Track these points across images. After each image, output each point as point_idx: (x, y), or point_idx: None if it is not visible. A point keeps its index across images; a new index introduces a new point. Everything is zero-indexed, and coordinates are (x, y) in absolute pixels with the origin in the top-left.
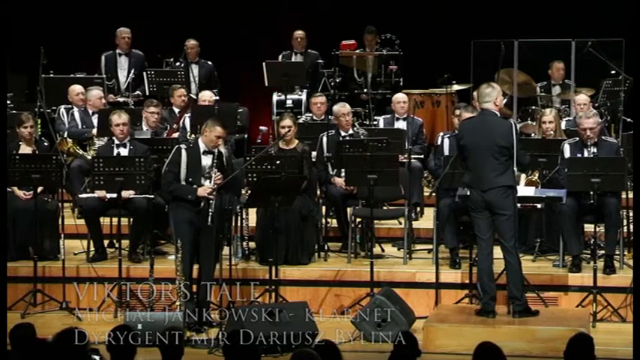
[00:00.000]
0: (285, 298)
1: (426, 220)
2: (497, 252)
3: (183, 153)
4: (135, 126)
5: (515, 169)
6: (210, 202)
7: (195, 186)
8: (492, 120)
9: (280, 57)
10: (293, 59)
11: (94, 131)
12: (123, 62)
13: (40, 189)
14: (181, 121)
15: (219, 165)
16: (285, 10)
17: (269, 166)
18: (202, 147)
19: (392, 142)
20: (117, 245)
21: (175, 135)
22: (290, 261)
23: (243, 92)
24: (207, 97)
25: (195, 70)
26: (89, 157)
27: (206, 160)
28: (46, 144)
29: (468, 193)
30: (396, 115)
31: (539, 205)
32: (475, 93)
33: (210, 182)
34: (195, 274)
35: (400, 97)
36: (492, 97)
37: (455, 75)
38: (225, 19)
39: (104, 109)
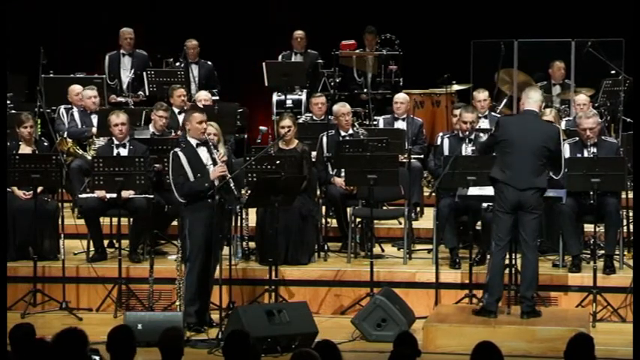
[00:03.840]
0: (285, 298)
1: (426, 220)
2: None
3: (181, 155)
4: (135, 126)
5: (552, 174)
6: (228, 178)
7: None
8: (540, 121)
9: (280, 57)
10: (293, 59)
11: (94, 130)
12: (126, 62)
13: (39, 189)
14: (180, 120)
15: (216, 147)
16: (285, 10)
17: (269, 166)
18: (194, 142)
19: (392, 142)
20: (117, 245)
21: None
22: (290, 261)
23: (243, 92)
24: (203, 96)
25: (195, 70)
26: (89, 157)
27: (203, 153)
28: (45, 144)
29: (469, 193)
30: (396, 115)
31: None
32: (475, 93)
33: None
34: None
35: (397, 97)
36: (541, 100)
37: (455, 75)
38: (225, 19)
39: (104, 109)
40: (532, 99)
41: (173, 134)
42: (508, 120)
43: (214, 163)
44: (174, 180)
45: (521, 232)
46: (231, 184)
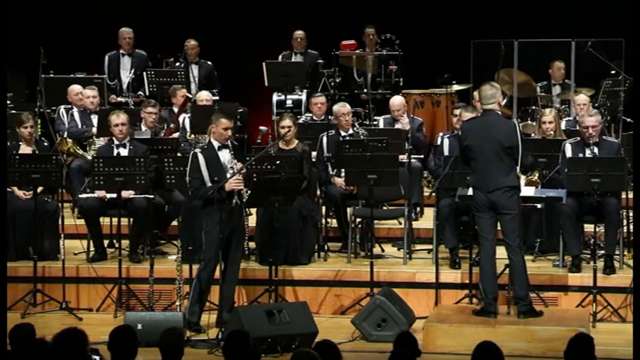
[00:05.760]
0: (285, 298)
1: (426, 220)
2: (498, 252)
3: (200, 156)
4: (135, 126)
5: (517, 169)
6: (242, 192)
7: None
8: (497, 120)
9: (280, 57)
10: (293, 59)
11: (94, 130)
12: (126, 62)
13: (39, 189)
14: (180, 120)
15: (238, 155)
16: (285, 10)
17: (269, 166)
18: (216, 144)
19: (392, 142)
20: (117, 245)
21: (175, 135)
22: (290, 261)
23: (243, 92)
24: (205, 96)
25: (195, 70)
26: (89, 157)
27: (224, 156)
28: (46, 144)
29: (470, 194)
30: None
31: (539, 205)
32: (476, 93)
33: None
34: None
35: (392, 105)
36: (496, 97)
37: (455, 75)
38: (225, 19)
39: (104, 109)
40: (486, 99)
41: (166, 129)
42: (468, 125)
43: (235, 162)
44: (190, 182)
45: (503, 235)
46: (244, 198)
